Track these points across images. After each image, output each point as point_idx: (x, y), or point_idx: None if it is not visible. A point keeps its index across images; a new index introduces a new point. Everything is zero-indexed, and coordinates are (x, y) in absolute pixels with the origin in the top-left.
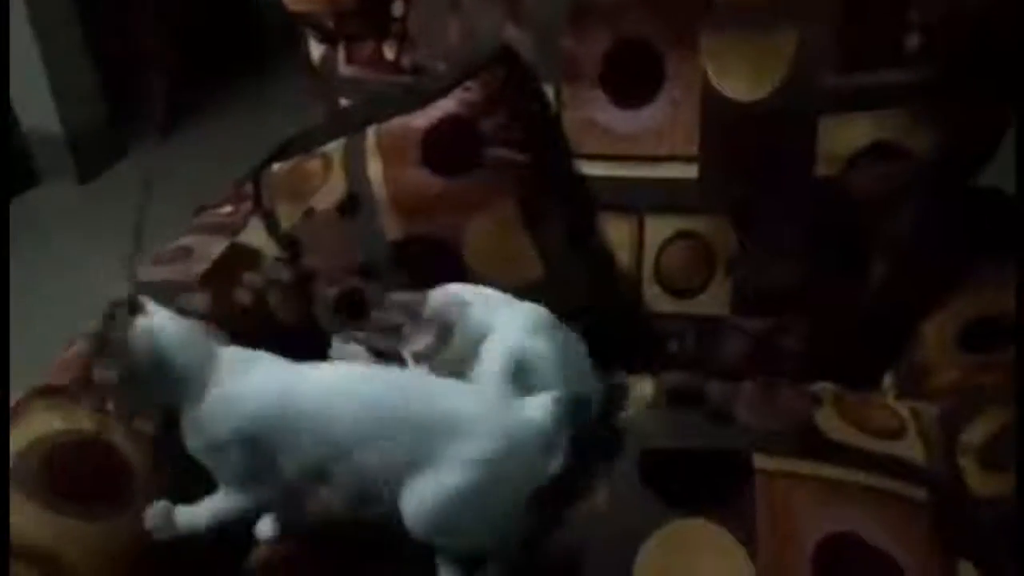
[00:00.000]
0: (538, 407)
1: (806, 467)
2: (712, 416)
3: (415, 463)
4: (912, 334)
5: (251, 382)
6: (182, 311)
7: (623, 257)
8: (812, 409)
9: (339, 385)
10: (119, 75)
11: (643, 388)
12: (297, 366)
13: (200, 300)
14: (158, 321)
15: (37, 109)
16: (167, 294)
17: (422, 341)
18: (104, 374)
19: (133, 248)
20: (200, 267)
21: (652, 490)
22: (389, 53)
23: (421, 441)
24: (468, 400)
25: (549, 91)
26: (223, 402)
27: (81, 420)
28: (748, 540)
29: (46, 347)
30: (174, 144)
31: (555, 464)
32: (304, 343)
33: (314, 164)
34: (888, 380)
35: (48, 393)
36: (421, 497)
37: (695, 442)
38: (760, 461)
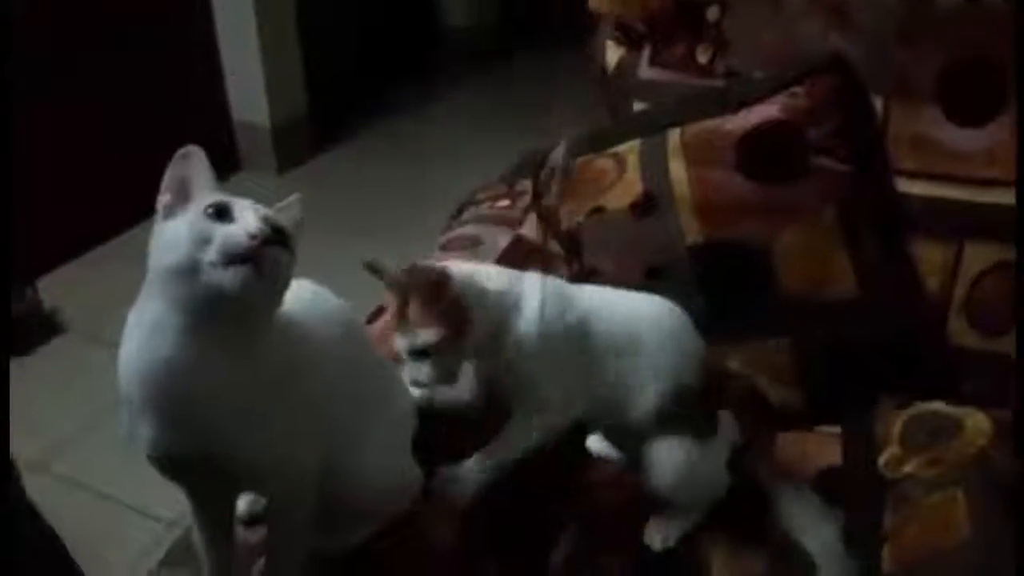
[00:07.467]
0: None
1: None
2: None
3: None
4: None
5: None
6: None
7: (932, 283)
8: None
9: None
10: (322, 75)
11: (978, 422)
12: None
13: None
14: None
15: (249, 102)
16: None
17: None
18: None
19: None
20: (491, 255)
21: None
22: (702, 57)
23: None
24: None
25: (876, 103)
26: None
27: None
28: None
29: None
30: (363, 143)
31: None
32: None
33: (605, 163)
34: None
35: None
36: None
37: None
38: None
